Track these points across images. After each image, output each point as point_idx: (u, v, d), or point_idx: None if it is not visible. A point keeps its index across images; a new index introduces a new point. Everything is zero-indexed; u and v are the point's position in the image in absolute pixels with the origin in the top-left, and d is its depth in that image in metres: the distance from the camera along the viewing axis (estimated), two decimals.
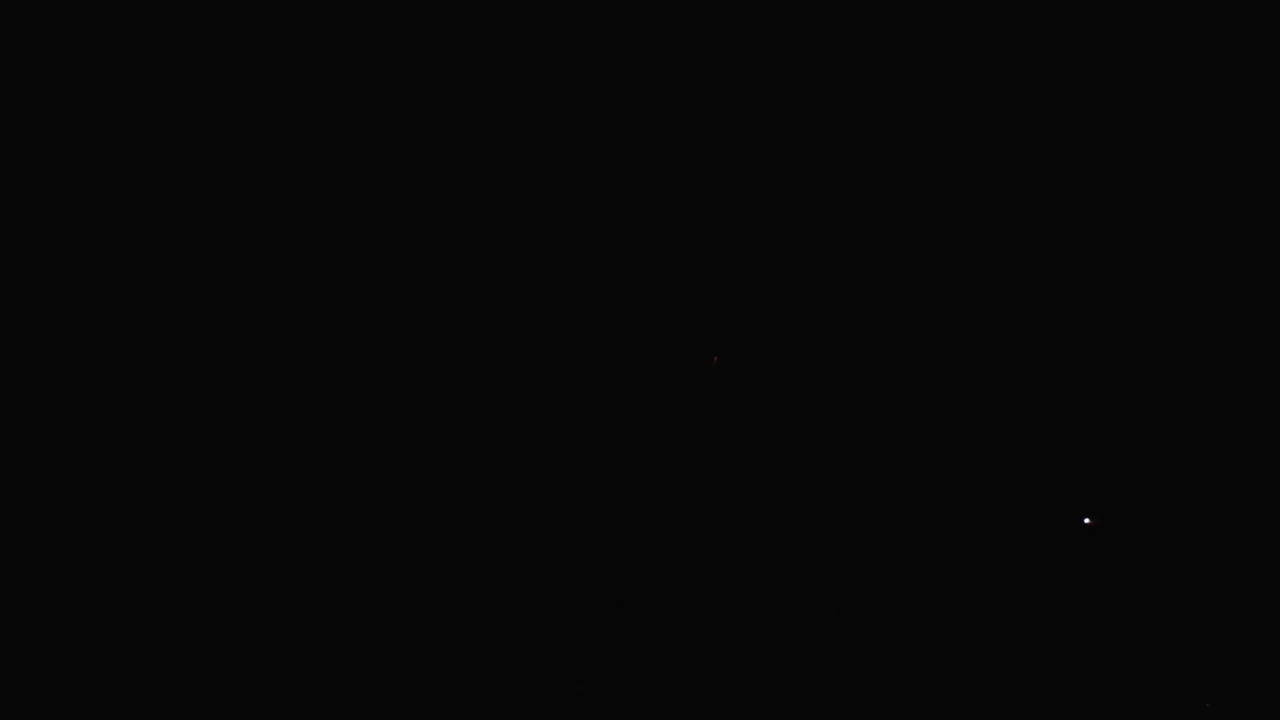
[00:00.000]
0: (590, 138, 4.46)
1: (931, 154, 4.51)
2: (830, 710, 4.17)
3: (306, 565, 4.16)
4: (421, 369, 4.32)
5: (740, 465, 4.36)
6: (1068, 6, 4.48)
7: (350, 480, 4.24)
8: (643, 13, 4.43)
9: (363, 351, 4.31)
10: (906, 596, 4.27)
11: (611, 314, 4.42)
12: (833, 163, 4.50)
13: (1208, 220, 4.48)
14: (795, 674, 4.20)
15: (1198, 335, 4.42)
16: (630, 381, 4.39)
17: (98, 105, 4.29)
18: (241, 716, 4.03)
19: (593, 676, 4.16)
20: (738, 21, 4.44)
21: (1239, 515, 4.31)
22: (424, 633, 4.14)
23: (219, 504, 4.17)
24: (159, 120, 4.31)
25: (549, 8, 4.41)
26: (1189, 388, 4.41)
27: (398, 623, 4.14)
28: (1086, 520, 4.32)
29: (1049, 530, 4.32)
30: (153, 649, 4.04)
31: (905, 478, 4.37)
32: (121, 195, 4.28)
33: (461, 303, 4.36)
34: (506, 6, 4.42)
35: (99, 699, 3.99)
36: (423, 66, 4.41)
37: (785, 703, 4.17)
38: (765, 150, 4.50)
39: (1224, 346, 4.40)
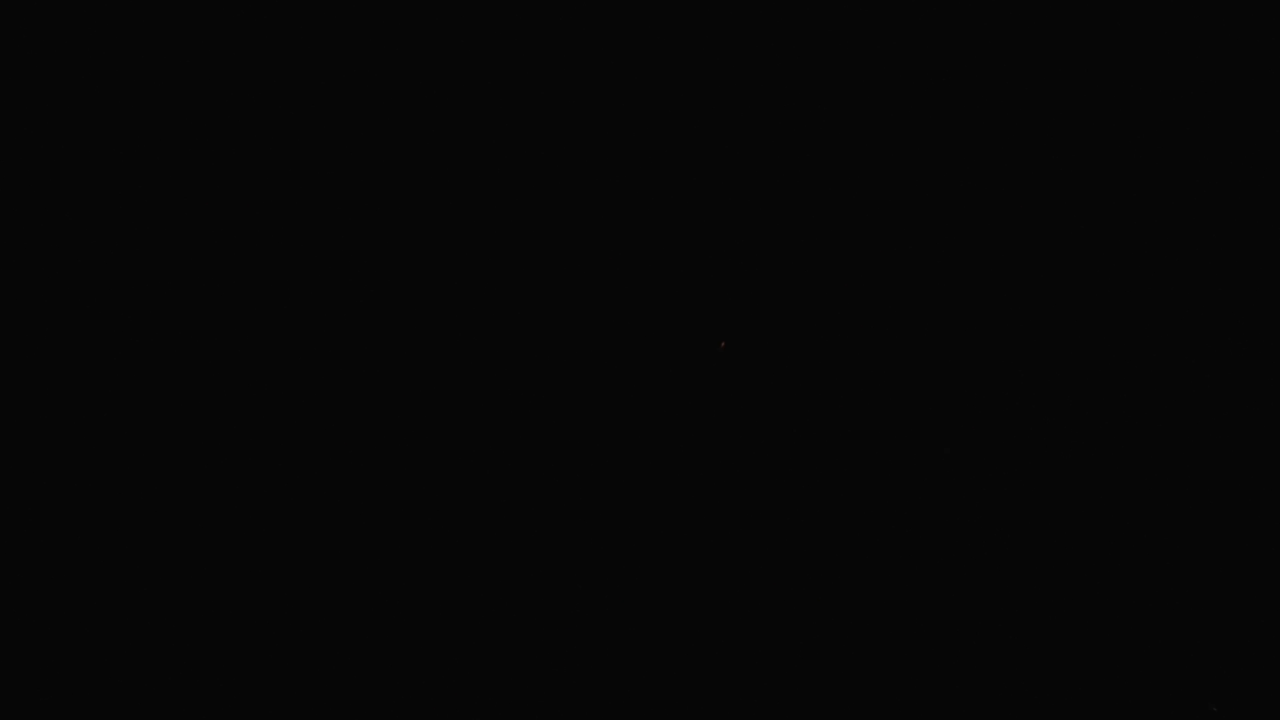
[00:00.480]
0: (595, 129, 4.46)
1: (939, 153, 4.50)
2: (831, 710, 4.16)
3: (306, 565, 4.16)
4: (418, 362, 4.32)
5: (743, 464, 4.36)
6: (1068, 6, 4.48)
7: (350, 480, 4.24)
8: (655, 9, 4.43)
9: (362, 345, 4.31)
10: (907, 596, 4.26)
11: (614, 309, 4.41)
12: (843, 157, 4.49)
13: (1208, 220, 4.47)
14: (796, 673, 4.19)
15: (1198, 335, 4.41)
16: (632, 380, 4.38)
17: (98, 105, 4.30)
18: (241, 716, 4.03)
19: (592, 677, 4.15)
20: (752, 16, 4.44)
21: (1239, 515, 4.30)
22: (424, 633, 4.14)
23: (219, 504, 4.17)
24: (159, 120, 4.32)
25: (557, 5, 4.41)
26: (1189, 388, 4.40)
27: (398, 623, 4.14)
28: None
29: (1052, 530, 4.31)
30: (153, 649, 4.04)
31: (909, 476, 4.37)
32: (121, 195, 4.28)
33: (460, 297, 4.36)
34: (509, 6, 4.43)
35: (99, 699, 3.99)
36: (423, 63, 4.41)
37: (786, 703, 4.16)
38: (774, 143, 4.50)
39: (1224, 346, 4.39)
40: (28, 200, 4.24)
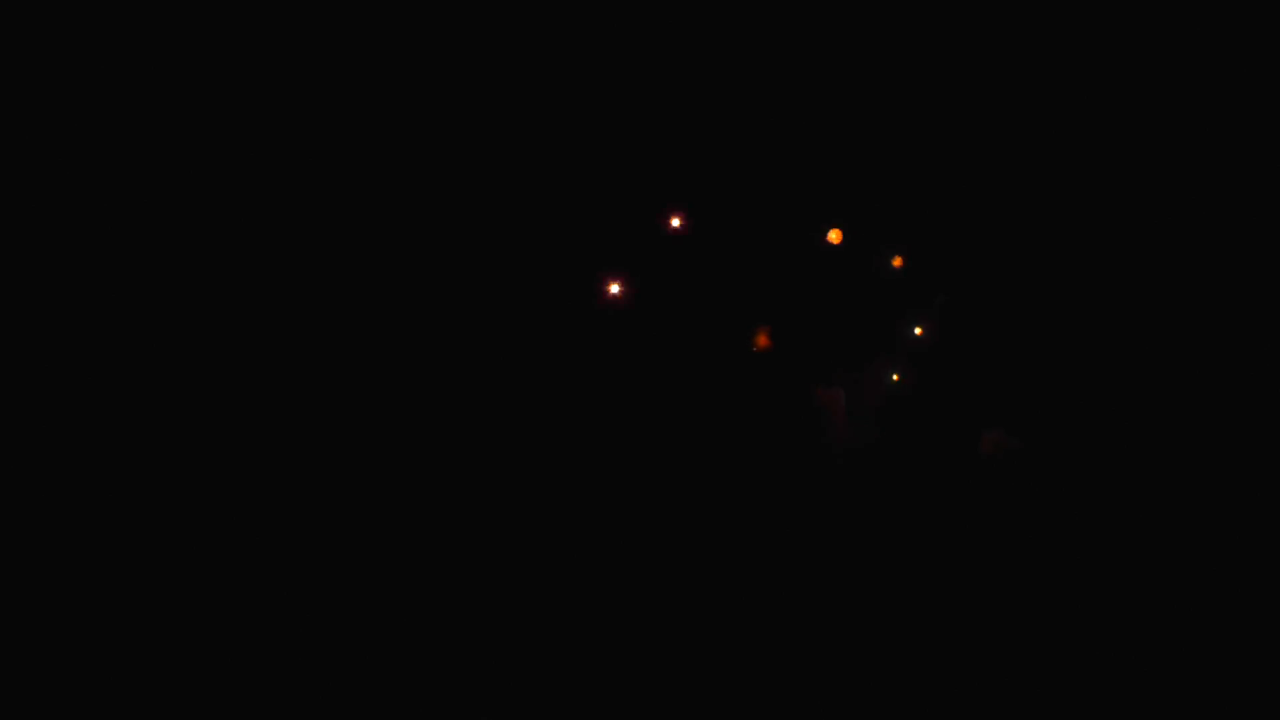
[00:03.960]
0: (624, 119, 4.45)
1: (968, 156, 4.52)
2: (834, 710, 4.16)
3: (306, 565, 4.15)
4: (430, 356, 4.32)
5: (778, 461, 4.37)
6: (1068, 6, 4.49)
7: (350, 479, 4.23)
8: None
9: (370, 328, 4.29)
10: (925, 597, 4.28)
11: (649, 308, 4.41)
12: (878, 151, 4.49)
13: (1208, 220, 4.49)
14: (803, 674, 4.20)
15: (1198, 335, 4.43)
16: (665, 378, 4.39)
17: (98, 105, 4.28)
18: (241, 716, 4.02)
19: (592, 676, 4.15)
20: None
21: (1239, 515, 4.32)
22: (424, 633, 4.13)
23: (218, 504, 4.16)
24: (159, 120, 4.31)
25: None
26: (1189, 387, 4.42)
27: (398, 623, 4.13)
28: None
29: (1074, 530, 4.33)
30: (152, 649, 4.03)
31: (939, 475, 4.39)
32: (121, 195, 4.27)
33: (480, 295, 4.36)
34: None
35: (99, 699, 3.98)
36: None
37: (789, 703, 4.16)
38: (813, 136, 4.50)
39: (1225, 346, 4.41)
40: (27, 200, 4.22)
